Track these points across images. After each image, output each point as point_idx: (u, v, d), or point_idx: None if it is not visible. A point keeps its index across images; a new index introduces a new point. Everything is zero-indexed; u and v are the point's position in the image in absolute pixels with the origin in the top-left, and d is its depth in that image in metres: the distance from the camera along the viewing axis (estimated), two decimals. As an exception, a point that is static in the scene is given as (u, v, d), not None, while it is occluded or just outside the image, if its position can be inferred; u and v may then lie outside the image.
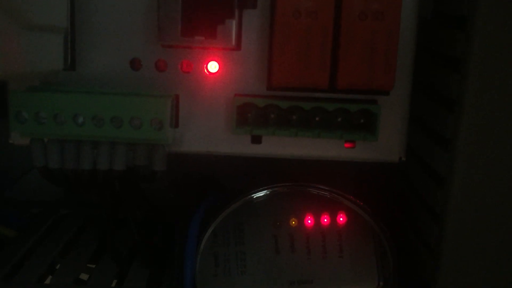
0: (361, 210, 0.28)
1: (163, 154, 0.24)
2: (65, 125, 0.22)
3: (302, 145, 0.25)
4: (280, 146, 0.25)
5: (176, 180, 0.36)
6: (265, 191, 0.28)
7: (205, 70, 0.24)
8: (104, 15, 0.24)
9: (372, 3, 0.22)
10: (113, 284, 0.30)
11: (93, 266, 0.31)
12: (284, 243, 0.29)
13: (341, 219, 0.30)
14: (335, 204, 0.29)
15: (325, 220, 0.30)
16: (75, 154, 0.23)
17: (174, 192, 0.34)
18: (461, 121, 0.25)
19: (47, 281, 0.30)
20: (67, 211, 0.37)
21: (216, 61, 0.24)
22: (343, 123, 0.24)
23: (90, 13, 0.23)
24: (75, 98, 0.22)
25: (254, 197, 0.28)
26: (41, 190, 0.38)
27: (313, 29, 0.22)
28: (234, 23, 0.22)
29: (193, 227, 0.28)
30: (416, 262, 0.30)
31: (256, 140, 0.25)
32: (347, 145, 0.25)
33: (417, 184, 0.31)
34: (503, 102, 0.24)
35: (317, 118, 0.24)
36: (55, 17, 0.21)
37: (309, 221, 0.30)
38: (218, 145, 0.25)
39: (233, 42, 0.23)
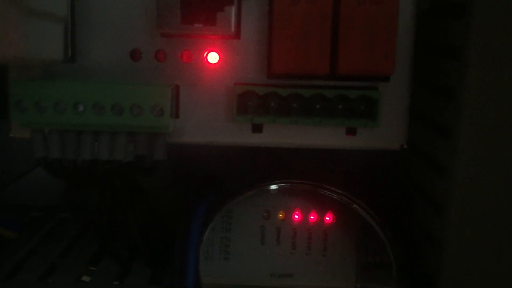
0: (368, 215, 0.28)
1: (164, 143, 0.24)
2: (66, 113, 0.22)
3: (303, 134, 0.25)
4: (280, 135, 0.25)
5: (176, 179, 0.36)
6: (277, 185, 0.28)
7: (205, 61, 0.24)
8: (104, 6, 0.24)
9: (370, -12, 0.22)
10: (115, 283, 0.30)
11: (94, 268, 0.31)
12: (271, 235, 0.30)
13: (327, 218, 0.30)
14: (324, 202, 0.29)
15: (312, 217, 0.30)
16: (75, 144, 0.23)
17: (174, 191, 0.34)
18: (462, 110, 0.25)
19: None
20: (67, 214, 0.37)
21: (216, 51, 0.24)
22: (344, 110, 0.24)
23: (90, 4, 0.24)
24: (75, 86, 0.22)
25: (271, 188, 0.28)
26: (41, 192, 0.38)
27: (312, 15, 0.22)
28: (233, 10, 0.22)
29: (195, 226, 0.28)
30: (418, 255, 0.30)
31: (257, 129, 0.25)
32: (348, 133, 0.25)
33: (418, 175, 0.31)
34: (503, 89, 0.24)
35: (317, 106, 0.24)
36: (55, 5, 0.21)
37: (297, 216, 0.30)
38: (219, 135, 0.25)
39: (233, 29, 0.23)
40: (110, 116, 0.22)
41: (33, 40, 0.20)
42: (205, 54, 0.24)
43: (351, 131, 0.25)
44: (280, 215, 0.30)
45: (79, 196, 0.35)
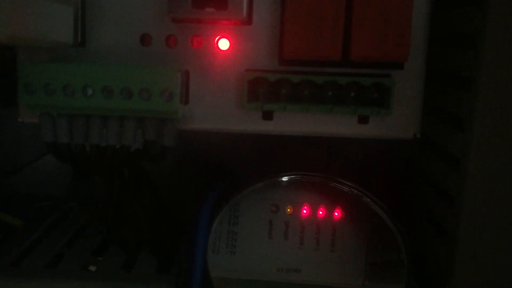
0: (380, 208, 0.27)
1: (173, 129, 0.24)
2: (75, 96, 0.21)
3: (314, 122, 0.24)
4: (291, 122, 0.24)
5: (184, 168, 0.36)
6: (287, 177, 0.28)
7: (216, 47, 0.24)
8: (114, -10, 0.23)
9: (385, -28, 0.22)
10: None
11: (100, 258, 0.31)
12: (278, 230, 0.29)
13: (336, 213, 0.29)
14: (334, 197, 0.29)
15: (321, 212, 0.29)
16: (84, 129, 0.23)
17: (182, 180, 0.34)
18: (476, 101, 0.24)
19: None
20: (74, 204, 0.37)
21: (227, 37, 0.24)
22: (356, 98, 0.24)
23: (101, -12, 0.23)
24: (84, 68, 0.21)
25: (282, 179, 0.28)
26: (49, 182, 0.38)
27: (325, -1, 0.22)
28: (245, -6, 0.22)
29: (203, 217, 0.28)
30: (430, 249, 0.29)
31: (267, 116, 0.24)
32: (360, 122, 0.24)
33: (429, 168, 0.31)
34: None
35: (329, 93, 0.24)
36: (66, -13, 0.21)
37: (305, 211, 0.29)
38: (229, 122, 0.24)
39: (244, 14, 0.22)
40: (119, 99, 0.22)
41: (42, 21, 0.20)
42: (215, 40, 0.24)
43: (363, 120, 0.24)
44: (289, 210, 0.30)
45: (86, 186, 0.35)
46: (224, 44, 0.24)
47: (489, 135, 0.24)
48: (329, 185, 0.27)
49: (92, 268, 0.30)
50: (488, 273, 0.26)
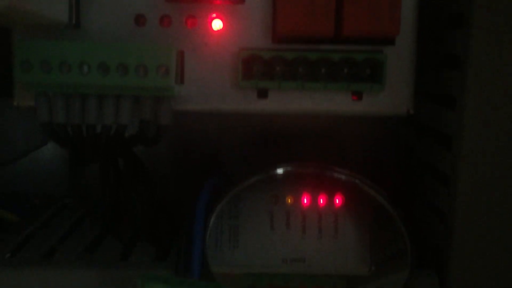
0: (377, 194, 0.27)
1: (169, 107, 0.24)
2: (71, 73, 0.22)
3: (309, 99, 0.25)
4: (286, 100, 0.25)
5: (180, 160, 0.36)
6: (282, 169, 0.28)
7: (210, 26, 0.24)
8: (109, -29, 0.24)
9: None
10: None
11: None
12: (280, 220, 0.29)
13: (337, 201, 0.29)
14: (333, 185, 0.28)
15: (321, 200, 0.29)
16: (80, 108, 0.23)
17: (177, 172, 0.34)
18: (467, 79, 0.25)
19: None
20: (70, 200, 0.36)
21: (220, 17, 0.24)
22: (350, 74, 0.24)
23: (95, -31, 0.24)
24: (81, 46, 0.22)
25: (277, 172, 0.27)
26: (45, 179, 0.38)
27: (317, -24, 0.22)
28: (238, -29, 0.22)
29: (201, 205, 0.28)
30: (426, 229, 0.29)
31: (262, 94, 0.24)
32: (354, 97, 0.24)
33: (423, 148, 0.31)
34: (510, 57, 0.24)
35: (323, 70, 0.24)
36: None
37: (305, 200, 0.29)
38: (224, 102, 0.25)
39: (237, -9, 0.23)
40: (115, 76, 0.22)
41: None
42: (209, 20, 0.24)
43: (357, 96, 0.24)
44: (289, 200, 0.29)
45: (83, 172, 0.35)
46: (217, 24, 0.24)
47: (480, 113, 0.25)
48: (329, 175, 0.27)
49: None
50: (485, 251, 0.26)
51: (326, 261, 0.29)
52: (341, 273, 0.28)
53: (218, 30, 0.24)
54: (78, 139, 0.24)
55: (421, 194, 0.31)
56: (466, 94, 0.25)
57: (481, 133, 0.25)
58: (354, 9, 0.23)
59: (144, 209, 0.29)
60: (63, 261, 0.28)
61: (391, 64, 0.24)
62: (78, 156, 0.26)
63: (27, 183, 0.37)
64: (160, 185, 0.30)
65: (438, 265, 0.27)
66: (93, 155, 0.26)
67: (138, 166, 0.29)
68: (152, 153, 0.36)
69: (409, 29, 0.24)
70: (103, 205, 0.31)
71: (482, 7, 0.24)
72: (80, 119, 0.23)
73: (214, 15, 0.24)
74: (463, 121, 0.25)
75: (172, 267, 0.27)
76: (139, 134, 0.25)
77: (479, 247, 0.26)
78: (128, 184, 0.29)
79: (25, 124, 0.32)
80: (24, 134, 0.33)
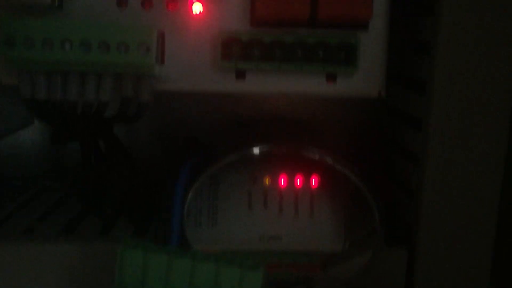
0: (352, 173, 0.28)
1: (149, 85, 0.24)
2: (53, 50, 0.22)
3: (285, 81, 0.26)
4: (263, 82, 0.26)
5: (160, 141, 0.36)
6: (259, 148, 0.29)
7: (190, 9, 0.25)
8: (91, -47, 0.24)
9: None
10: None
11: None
12: (258, 200, 0.30)
13: (313, 181, 0.30)
14: (309, 166, 0.30)
15: (298, 181, 0.30)
16: (61, 84, 0.24)
17: (156, 152, 0.34)
18: (435, 64, 0.26)
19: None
20: (50, 182, 0.37)
21: (200, 0, 0.25)
22: (325, 57, 0.25)
23: (78, -50, 0.24)
24: (64, 23, 0.22)
25: (254, 152, 0.28)
26: (24, 161, 0.38)
27: (294, -39, 0.23)
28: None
29: (181, 181, 0.28)
30: (397, 206, 0.31)
31: (241, 75, 0.25)
32: (329, 81, 0.25)
33: (394, 130, 0.32)
34: (475, 43, 0.26)
35: (299, 52, 0.25)
36: None
37: (283, 181, 0.30)
38: (203, 83, 0.25)
39: (217, -26, 0.23)
40: (97, 53, 0.22)
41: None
42: (190, 2, 0.25)
43: (331, 78, 0.25)
44: (267, 180, 0.30)
45: (63, 152, 0.36)
46: (198, 7, 0.25)
47: (448, 96, 0.26)
48: (303, 154, 0.28)
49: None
50: (449, 227, 0.27)
51: (301, 239, 0.30)
52: (316, 250, 0.29)
53: (198, 14, 0.25)
54: (60, 115, 0.25)
55: (392, 173, 0.32)
56: (435, 78, 0.26)
57: (449, 115, 0.26)
58: (328, -6, 0.24)
59: (124, 187, 0.30)
60: (43, 237, 0.28)
61: (364, 49, 0.25)
62: (59, 133, 0.26)
63: (8, 165, 0.37)
64: (140, 164, 0.31)
65: (408, 241, 0.28)
66: (75, 131, 0.26)
67: (117, 145, 0.30)
68: (132, 134, 0.37)
69: (382, 14, 0.25)
70: (83, 183, 0.31)
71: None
72: (62, 95, 0.24)
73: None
74: (432, 104, 0.26)
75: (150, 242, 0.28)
76: (120, 111, 0.25)
77: (446, 224, 0.27)
78: (108, 163, 0.30)
79: (8, 103, 0.33)
80: (8, 114, 0.33)
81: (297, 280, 0.29)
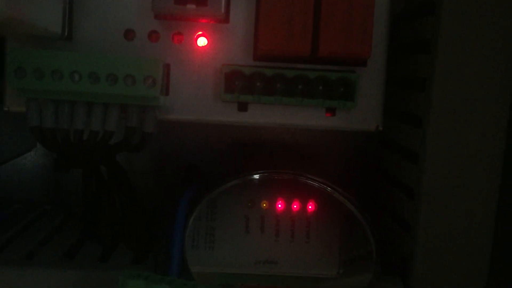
0: (349, 202, 0.28)
1: (154, 116, 0.25)
2: (62, 81, 0.23)
3: (286, 114, 0.26)
4: (264, 114, 0.26)
5: (161, 171, 0.37)
6: (258, 175, 0.29)
7: (195, 43, 0.26)
8: (101, -13, 0.25)
9: (349, -23, 0.24)
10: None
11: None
12: (255, 224, 0.31)
13: (310, 206, 0.31)
14: (306, 191, 0.30)
15: (295, 206, 0.31)
16: (69, 113, 0.24)
17: (158, 182, 0.35)
18: (432, 100, 0.27)
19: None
20: (50, 206, 0.37)
21: (205, 34, 0.26)
22: (324, 91, 0.26)
23: (88, -16, 0.25)
24: (73, 56, 0.23)
25: (254, 177, 0.29)
26: (25, 185, 0.38)
27: (296, 0, 0.24)
28: (223, -7, 0.24)
29: (181, 207, 0.29)
30: (393, 238, 0.31)
31: (243, 107, 0.26)
32: (328, 114, 0.26)
33: (390, 163, 0.33)
34: (469, 82, 0.26)
35: (299, 86, 0.26)
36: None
37: (280, 205, 0.31)
38: (207, 113, 0.26)
39: (222, 10, 0.24)
40: (105, 85, 0.23)
41: (35, 7, 0.21)
42: (195, 37, 0.26)
43: (331, 112, 0.26)
44: (264, 204, 0.31)
45: (65, 178, 0.36)
46: (203, 41, 0.26)
47: (444, 131, 0.27)
48: (301, 181, 0.29)
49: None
50: (445, 259, 0.27)
51: (297, 264, 0.30)
52: (311, 276, 0.30)
53: (203, 46, 0.26)
54: (66, 144, 0.25)
55: (388, 205, 0.33)
56: (431, 114, 0.27)
57: (444, 150, 0.27)
58: (329, 32, 0.24)
59: (124, 214, 0.30)
60: (43, 262, 0.28)
61: (363, 84, 0.26)
62: (63, 160, 0.27)
63: (9, 187, 0.38)
64: (140, 192, 0.32)
65: (403, 272, 0.29)
66: (79, 160, 0.27)
67: (119, 172, 0.31)
68: (134, 161, 0.37)
69: (380, 52, 0.26)
70: (84, 209, 0.32)
71: (446, 35, 0.26)
72: (69, 125, 0.24)
73: (200, 32, 0.26)
74: (428, 138, 0.27)
75: (151, 270, 0.28)
76: (124, 140, 0.26)
77: (441, 256, 0.27)
78: (110, 190, 0.30)
79: (12, 129, 0.33)
80: (11, 139, 0.34)
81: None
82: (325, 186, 0.29)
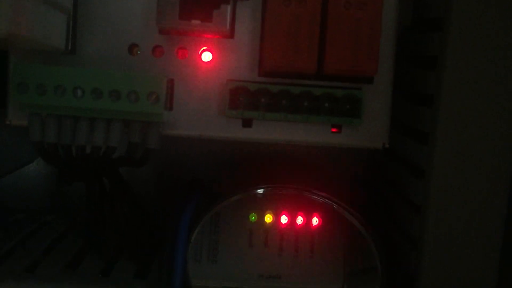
0: (354, 218, 0.28)
1: (157, 132, 0.25)
2: (65, 97, 0.23)
3: (291, 130, 0.26)
4: (269, 130, 0.26)
5: (164, 183, 0.37)
6: (263, 190, 0.29)
7: (200, 58, 0.26)
8: (105, 1, 0.25)
9: (356, -6, 0.24)
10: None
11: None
12: (258, 238, 0.30)
13: (314, 221, 0.31)
14: (311, 205, 0.30)
15: (299, 220, 0.31)
16: (71, 129, 0.24)
17: (161, 193, 0.34)
18: (439, 116, 0.27)
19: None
20: (52, 216, 0.37)
21: (210, 49, 0.26)
22: (330, 108, 0.26)
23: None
24: (76, 71, 0.23)
25: (258, 192, 0.29)
26: (27, 195, 0.38)
27: (302, 16, 0.24)
28: (228, 8, 0.24)
29: (184, 221, 0.29)
30: (398, 255, 0.31)
31: (247, 123, 0.26)
32: (333, 129, 0.26)
33: (396, 178, 0.33)
34: (477, 98, 0.26)
35: (305, 103, 0.25)
36: (62, -5, 0.23)
37: (284, 220, 0.30)
38: (211, 129, 0.26)
39: (227, 26, 0.24)
40: (108, 101, 0.23)
41: (39, 23, 0.21)
42: (199, 52, 0.26)
43: (337, 128, 0.26)
44: (268, 219, 0.31)
45: (67, 190, 0.36)
46: (207, 56, 0.26)
47: (451, 148, 0.26)
48: (305, 195, 0.29)
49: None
50: (452, 277, 0.27)
51: (300, 278, 0.30)
52: None
53: (207, 62, 0.26)
54: (68, 159, 0.25)
55: (394, 220, 0.32)
56: (438, 130, 0.27)
57: (451, 166, 0.27)
58: (335, 50, 0.24)
59: (127, 227, 0.30)
60: (45, 275, 0.28)
61: (369, 101, 0.26)
62: (66, 175, 0.27)
63: (11, 197, 0.38)
64: (143, 204, 0.31)
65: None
66: (81, 174, 0.27)
67: (123, 185, 0.30)
68: (137, 175, 0.37)
69: (387, 69, 0.26)
70: (86, 222, 0.32)
71: (454, 51, 0.26)
72: (71, 140, 0.24)
73: (204, 47, 0.26)
74: (434, 154, 0.27)
75: (153, 284, 0.28)
76: (126, 155, 0.26)
77: (448, 274, 0.27)
78: (113, 203, 0.30)
79: (14, 141, 0.33)
80: (13, 150, 0.33)
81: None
82: (330, 201, 0.28)
